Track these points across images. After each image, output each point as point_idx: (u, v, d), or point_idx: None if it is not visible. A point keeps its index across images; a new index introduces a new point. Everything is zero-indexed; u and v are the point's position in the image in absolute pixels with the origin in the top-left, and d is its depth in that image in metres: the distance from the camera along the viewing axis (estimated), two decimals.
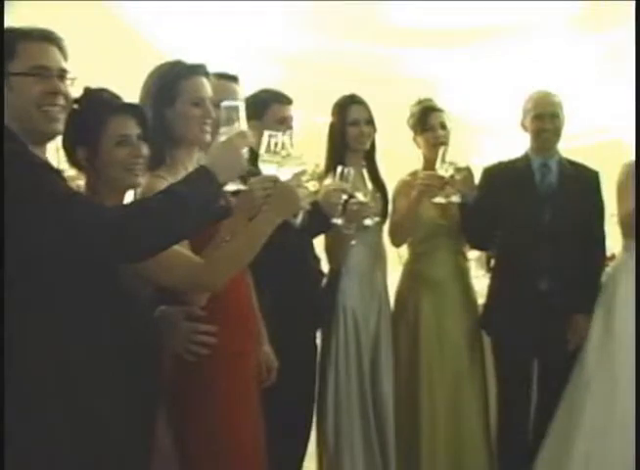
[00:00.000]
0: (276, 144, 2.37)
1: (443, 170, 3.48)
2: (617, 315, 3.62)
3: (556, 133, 3.74)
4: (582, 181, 3.73)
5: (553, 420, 3.65)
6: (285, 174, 2.37)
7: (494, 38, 5.55)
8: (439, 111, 3.84)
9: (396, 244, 3.88)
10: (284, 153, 2.38)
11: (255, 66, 5.24)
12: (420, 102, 3.88)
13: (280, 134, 2.41)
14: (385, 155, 3.91)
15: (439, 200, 3.56)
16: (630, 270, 3.66)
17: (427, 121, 3.80)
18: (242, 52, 5.39)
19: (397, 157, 4.22)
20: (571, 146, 4.31)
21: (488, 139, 5.40)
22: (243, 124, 2.23)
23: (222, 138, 2.19)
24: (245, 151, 2.15)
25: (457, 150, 3.66)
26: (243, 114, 2.25)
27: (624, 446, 3.46)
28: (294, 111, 3.55)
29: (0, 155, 1.94)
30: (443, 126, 3.81)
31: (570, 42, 5.60)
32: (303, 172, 2.44)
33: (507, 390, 3.79)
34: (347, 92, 3.77)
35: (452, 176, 3.47)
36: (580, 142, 5.30)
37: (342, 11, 5.42)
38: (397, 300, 3.93)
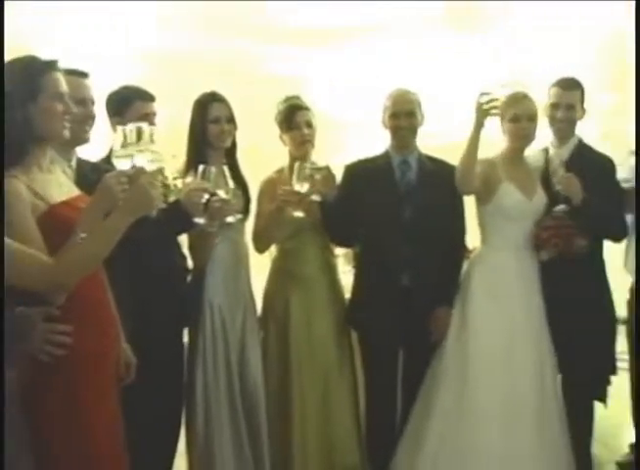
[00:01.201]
0: (131, 135, 2.35)
1: (299, 186, 3.51)
2: (470, 307, 3.73)
3: (412, 131, 3.81)
4: (442, 177, 3.76)
5: (413, 406, 3.76)
6: (140, 162, 2.34)
7: (361, 37, 5.65)
8: (306, 109, 3.86)
9: (260, 250, 3.88)
10: (141, 142, 2.35)
11: (119, 64, 5.18)
12: (287, 100, 3.89)
13: (132, 124, 2.39)
14: (251, 152, 3.92)
15: (298, 214, 3.58)
16: (485, 262, 3.79)
17: (293, 120, 3.81)
18: (107, 50, 5.31)
19: (265, 154, 4.24)
20: (435, 143, 4.41)
21: (353, 137, 5.48)
22: None
23: None
24: None
25: (322, 148, 3.71)
26: None
27: (474, 429, 3.59)
28: (158, 108, 3.54)
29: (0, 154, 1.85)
30: (309, 125, 3.83)
31: (433, 42, 5.76)
32: (160, 171, 2.43)
33: (374, 382, 3.87)
34: (213, 90, 3.76)
35: (312, 176, 3.52)
36: (445, 139, 5.44)
37: (211, 8, 5.43)
38: (266, 296, 3.96)
